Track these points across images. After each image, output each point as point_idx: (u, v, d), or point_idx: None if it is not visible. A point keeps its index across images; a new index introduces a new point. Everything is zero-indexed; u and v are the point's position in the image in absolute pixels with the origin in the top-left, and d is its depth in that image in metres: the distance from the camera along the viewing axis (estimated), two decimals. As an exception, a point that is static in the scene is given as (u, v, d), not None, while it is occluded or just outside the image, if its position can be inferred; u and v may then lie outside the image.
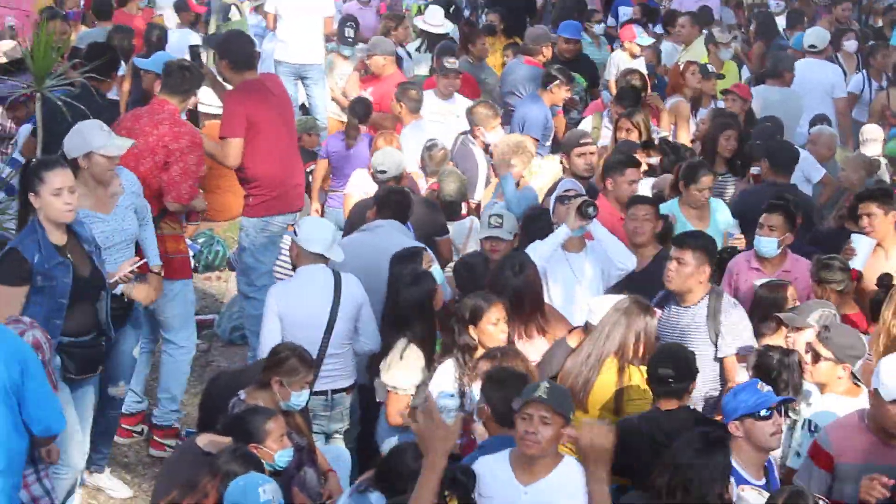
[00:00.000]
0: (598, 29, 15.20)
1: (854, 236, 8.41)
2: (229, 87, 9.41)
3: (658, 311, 7.38)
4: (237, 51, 9.28)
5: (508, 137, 10.47)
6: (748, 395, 6.07)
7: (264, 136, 9.02)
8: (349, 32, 13.94)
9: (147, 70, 10.41)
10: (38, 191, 6.82)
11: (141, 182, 8.02)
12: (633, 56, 13.84)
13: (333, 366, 7.71)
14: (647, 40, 14.19)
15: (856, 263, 8.17)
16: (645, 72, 12.90)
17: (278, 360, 6.81)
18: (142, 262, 7.60)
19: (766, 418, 6.01)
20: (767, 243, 8.33)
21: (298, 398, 6.80)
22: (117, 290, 7.42)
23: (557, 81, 11.92)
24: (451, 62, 12.13)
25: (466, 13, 17.23)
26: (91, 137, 7.46)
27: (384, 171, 9.79)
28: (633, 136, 10.67)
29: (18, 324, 6.33)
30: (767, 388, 6.13)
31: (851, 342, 6.71)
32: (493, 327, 7.12)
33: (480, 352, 7.03)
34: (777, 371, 6.64)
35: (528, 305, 7.54)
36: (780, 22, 16.87)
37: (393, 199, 8.92)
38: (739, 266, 8.49)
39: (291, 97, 13.08)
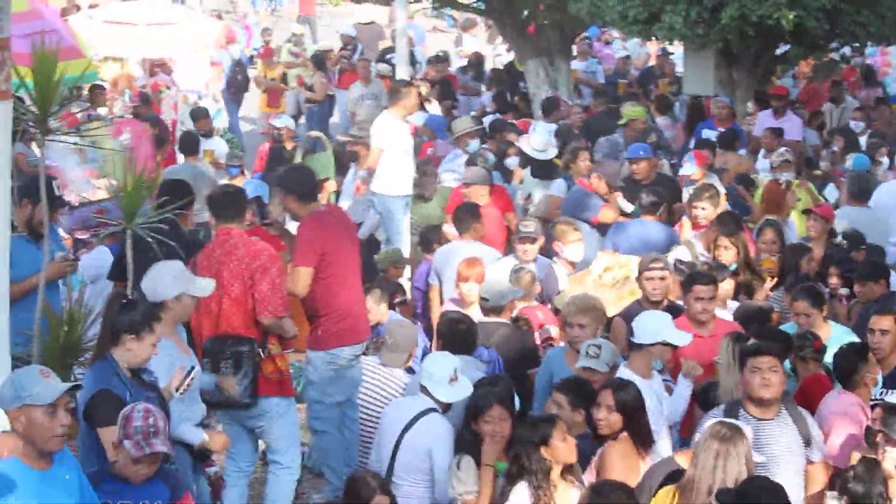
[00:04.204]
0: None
1: None
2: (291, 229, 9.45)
3: None
4: (301, 184, 9.29)
5: (577, 298, 9.49)
6: None
7: (335, 267, 8.99)
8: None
9: None
10: (142, 336, 6.99)
11: (233, 307, 8.29)
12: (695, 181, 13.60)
13: (397, 492, 7.45)
14: (692, 171, 13.48)
15: None
16: (722, 190, 12.73)
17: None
18: (192, 371, 7.48)
19: None
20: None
21: None
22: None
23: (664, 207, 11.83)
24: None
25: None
26: (182, 278, 7.70)
27: (486, 300, 9.64)
28: (731, 254, 10.64)
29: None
30: None
31: None
32: (563, 444, 7.03)
33: (556, 469, 6.98)
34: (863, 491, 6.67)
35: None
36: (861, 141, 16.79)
37: (458, 330, 8.81)
38: None
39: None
